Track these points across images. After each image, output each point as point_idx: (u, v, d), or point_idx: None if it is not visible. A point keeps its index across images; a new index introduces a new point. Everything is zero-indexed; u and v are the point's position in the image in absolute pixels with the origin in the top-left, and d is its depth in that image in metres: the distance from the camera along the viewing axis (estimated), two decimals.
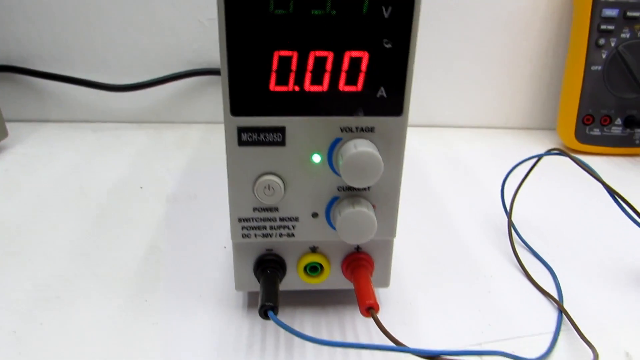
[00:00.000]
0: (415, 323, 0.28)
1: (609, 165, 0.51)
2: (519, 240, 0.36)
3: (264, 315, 0.23)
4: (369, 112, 0.24)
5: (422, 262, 0.34)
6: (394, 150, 0.24)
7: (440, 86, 0.59)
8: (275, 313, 0.24)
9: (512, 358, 0.22)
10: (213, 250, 0.34)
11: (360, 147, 0.23)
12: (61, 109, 0.57)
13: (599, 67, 0.50)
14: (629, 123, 0.52)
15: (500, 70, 0.59)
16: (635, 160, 0.53)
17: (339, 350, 0.26)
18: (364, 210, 0.24)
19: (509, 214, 0.37)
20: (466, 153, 0.54)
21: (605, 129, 0.52)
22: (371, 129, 0.24)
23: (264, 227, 0.26)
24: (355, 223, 0.24)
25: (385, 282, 0.28)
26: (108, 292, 0.30)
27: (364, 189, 0.25)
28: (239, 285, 0.27)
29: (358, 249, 0.27)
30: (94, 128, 0.57)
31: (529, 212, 0.41)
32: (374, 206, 0.25)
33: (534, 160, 0.37)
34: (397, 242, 0.29)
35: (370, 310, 0.24)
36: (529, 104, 0.61)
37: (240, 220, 0.25)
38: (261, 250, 0.27)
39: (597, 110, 0.52)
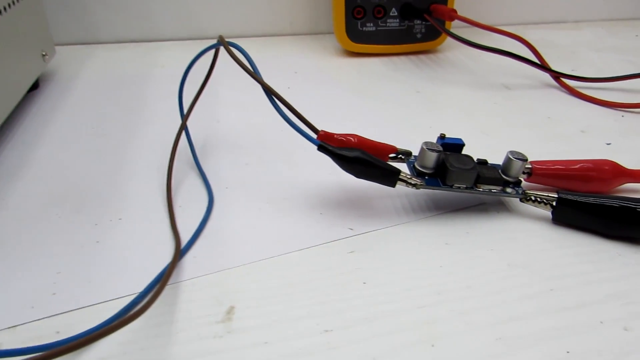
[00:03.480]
0: None
1: (385, 67, 0.44)
2: (195, 163, 0.28)
3: None
4: None
5: (37, 208, 0.24)
6: None
7: None
8: None
9: None
10: None
11: None
12: None
13: None
14: (405, 13, 0.44)
15: None
16: (418, 58, 0.46)
17: None
18: None
19: (181, 125, 0.28)
20: (228, 63, 0.44)
21: (380, 23, 0.44)
22: None
23: None
24: None
25: None
26: None
27: None
28: None
29: None
30: None
31: (220, 124, 0.32)
32: None
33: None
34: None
35: None
36: (312, 6, 0.51)
37: None
38: None
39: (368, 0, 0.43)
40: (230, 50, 0.24)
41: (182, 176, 0.27)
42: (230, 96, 0.37)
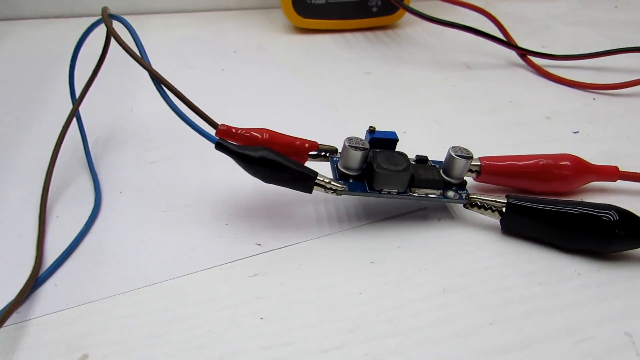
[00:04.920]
0: None
1: (336, 45, 0.39)
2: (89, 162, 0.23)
3: None
4: None
5: None
6: None
7: None
8: None
9: None
10: None
11: None
12: None
13: None
14: None
15: None
16: (374, 34, 0.41)
17: None
18: None
19: (70, 114, 0.23)
20: (162, 41, 0.39)
21: None
22: None
23: None
24: None
25: None
26: None
27: None
28: None
29: None
30: None
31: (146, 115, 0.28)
32: None
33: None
34: None
35: None
36: None
37: None
38: None
39: None
40: (110, 26, 0.20)
41: (70, 178, 0.23)
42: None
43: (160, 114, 0.28)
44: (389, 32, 0.42)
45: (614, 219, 0.18)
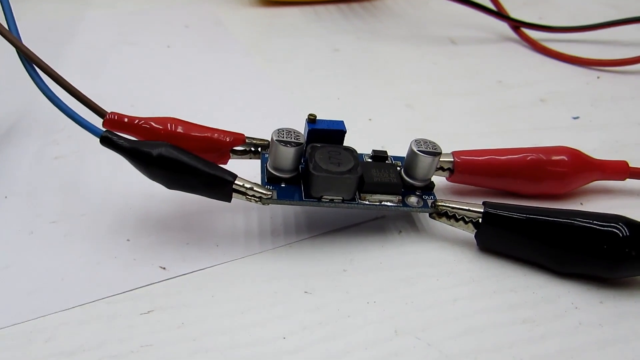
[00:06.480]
0: None
1: (305, 18, 0.34)
2: None
3: None
4: None
5: None
6: None
7: None
8: None
9: None
10: None
11: None
12: None
13: None
14: None
15: None
16: (349, 7, 0.36)
17: None
18: None
19: None
20: (105, 15, 0.34)
21: None
22: None
23: None
24: None
25: None
26: None
27: None
28: None
29: None
30: None
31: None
32: None
33: None
34: None
35: None
36: None
37: None
38: None
39: None
40: None
41: None
42: (97, 60, 0.28)
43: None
44: (367, 4, 0.37)
45: (623, 234, 0.14)
